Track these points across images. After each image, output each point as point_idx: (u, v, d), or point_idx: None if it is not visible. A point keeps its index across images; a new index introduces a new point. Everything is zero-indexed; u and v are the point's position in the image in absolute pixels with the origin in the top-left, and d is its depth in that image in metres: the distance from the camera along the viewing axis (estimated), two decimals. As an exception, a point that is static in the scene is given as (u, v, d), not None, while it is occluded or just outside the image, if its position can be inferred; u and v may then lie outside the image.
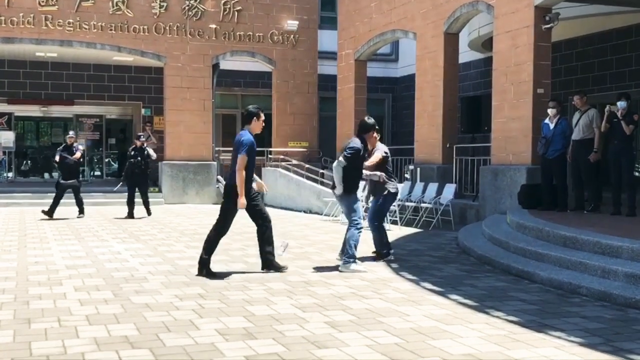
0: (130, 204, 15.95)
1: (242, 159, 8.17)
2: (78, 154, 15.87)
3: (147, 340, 5.35)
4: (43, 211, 15.58)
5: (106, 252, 10.16)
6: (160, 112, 23.12)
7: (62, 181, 15.80)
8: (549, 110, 12.43)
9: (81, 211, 16.10)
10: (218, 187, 21.09)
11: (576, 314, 6.36)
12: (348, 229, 8.93)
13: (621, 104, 11.24)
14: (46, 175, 24.08)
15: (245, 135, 8.33)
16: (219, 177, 21.34)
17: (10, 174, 23.12)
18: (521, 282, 8.02)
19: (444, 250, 10.92)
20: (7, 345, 5.18)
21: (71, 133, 16.82)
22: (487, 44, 19.84)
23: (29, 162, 24.61)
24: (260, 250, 8.57)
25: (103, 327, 5.74)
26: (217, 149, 22.22)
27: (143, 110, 23.99)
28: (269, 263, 8.54)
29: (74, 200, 16.09)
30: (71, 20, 19.99)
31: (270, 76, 23.19)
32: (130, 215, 15.90)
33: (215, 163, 21.44)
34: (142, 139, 16.66)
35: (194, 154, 21.18)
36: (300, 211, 18.39)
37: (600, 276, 7.49)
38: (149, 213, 16.17)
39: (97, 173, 24.80)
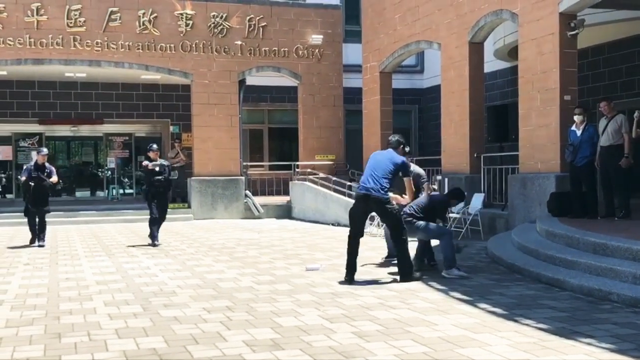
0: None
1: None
2: (55, 178, 13.53)
3: (175, 352, 5.39)
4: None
5: (136, 268, 10.24)
6: (188, 129, 23.30)
7: (31, 208, 13.44)
8: (575, 117, 12.32)
9: (42, 238, 13.40)
10: (246, 202, 21.17)
11: (607, 320, 6.28)
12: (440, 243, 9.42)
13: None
14: (77, 193, 24.32)
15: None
16: (247, 191, 21.43)
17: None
18: (551, 289, 7.94)
19: (473, 259, 10.85)
20: (39, 359, 5.24)
21: (44, 151, 13.73)
22: (512, 52, 19.76)
23: (61, 181, 24.88)
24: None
25: (132, 340, 5.79)
26: (244, 163, 22.31)
27: (171, 128, 24.22)
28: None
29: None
30: (99, 41, 20.24)
31: (296, 90, 23.28)
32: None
33: (243, 178, 21.52)
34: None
35: (222, 170, 21.29)
36: (328, 224, 18.39)
37: (631, 282, 7.39)
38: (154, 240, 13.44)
39: (128, 191, 24.96)
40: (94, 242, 14.19)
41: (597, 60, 16.62)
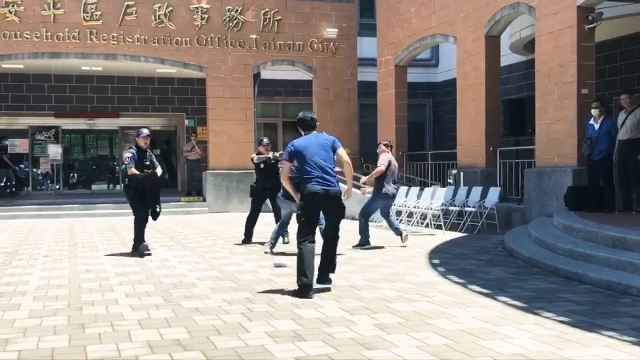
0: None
1: None
2: (160, 170, 11.09)
3: (198, 342, 5.44)
4: None
5: (154, 260, 10.31)
6: (203, 123, 23.36)
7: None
8: (593, 111, 12.29)
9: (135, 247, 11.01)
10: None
11: (627, 313, 6.29)
12: None
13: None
14: (93, 187, 24.46)
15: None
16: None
17: (57, 186, 23.55)
18: (570, 283, 7.94)
19: (489, 253, 10.85)
20: (63, 349, 5.31)
21: (145, 132, 10.92)
22: (528, 46, 19.68)
23: (76, 174, 25.08)
24: None
25: (155, 330, 5.84)
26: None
27: (186, 121, 24.29)
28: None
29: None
30: (115, 34, 20.32)
31: (310, 84, 23.28)
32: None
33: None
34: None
35: (237, 163, 21.32)
36: (346, 218, 18.35)
37: (651, 276, 7.39)
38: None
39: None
40: (112, 235, 14.28)
41: (614, 54, 16.52)
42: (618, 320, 6.02)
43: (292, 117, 25.42)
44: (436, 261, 9.97)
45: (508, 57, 19.56)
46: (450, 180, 16.98)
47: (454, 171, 16.97)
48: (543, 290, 7.54)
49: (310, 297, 7.16)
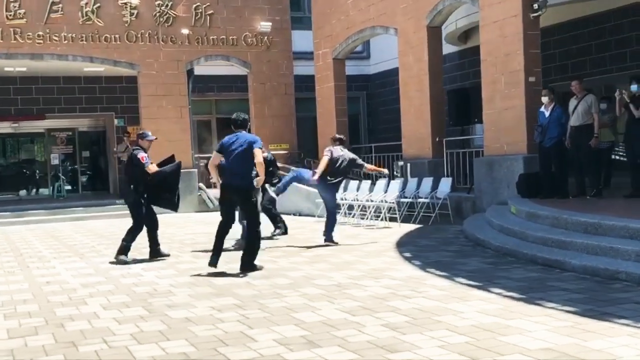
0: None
1: None
2: None
3: (208, 355, 5.13)
4: None
5: (115, 268, 9.84)
6: (133, 122, 22.71)
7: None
8: (543, 99, 12.42)
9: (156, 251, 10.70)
10: (200, 195, 20.78)
11: (628, 299, 6.29)
12: None
13: (634, 88, 11.22)
14: (21, 192, 23.41)
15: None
16: (201, 184, 21.02)
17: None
18: (552, 271, 7.94)
19: (455, 244, 10.82)
20: (64, 371, 4.92)
21: (150, 135, 10.88)
22: (462, 36, 19.92)
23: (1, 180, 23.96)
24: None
25: (155, 345, 5.50)
26: (196, 155, 21.87)
27: (116, 121, 23.54)
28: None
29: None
30: (41, 33, 19.50)
31: (244, 79, 22.96)
32: None
33: (195, 170, 21.08)
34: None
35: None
36: (289, 214, 18.15)
37: (635, 260, 7.43)
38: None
39: (72, 187, 24.10)
40: (56, 243, 13.64)
41: (565, 38, 16.55)
42: (622, 307, 6.01)
43: (226, 114, 24.99)
44: (407, 254, 9.87)
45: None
46: (397, 172, 16.94)
47: (401, 163, 16.95)
48: (530, 279, 7.51)
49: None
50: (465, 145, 16.29)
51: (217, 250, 9.00)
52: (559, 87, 14.57)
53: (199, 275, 8.86)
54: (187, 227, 15.94)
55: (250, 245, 8.99)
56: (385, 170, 12.99)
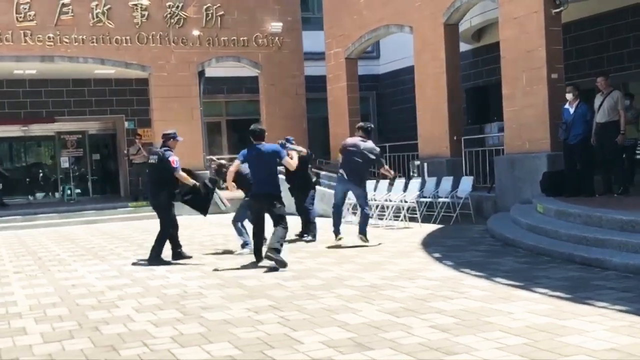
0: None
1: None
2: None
3: (256, 359, 4.94)
4: None
5: (139, 270, 9.66)
6: (143, 124, 22.56)
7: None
8: (568, 95, 12.23)
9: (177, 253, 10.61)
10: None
11: (683, 299, 6.11)
12: None
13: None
14: (31, 196, 23.21)
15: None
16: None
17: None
18: (592, 270, 7.74)
19: (483, 244, 10.62)
20: (109, 376, 4.74)
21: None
22: (475, 35, 19.74)
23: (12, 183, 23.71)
24: None
25: (198, 348, 5.32)
26: (207, 157, 21.67)
27: (126, 123, 23.32)
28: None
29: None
30: (51, 35, 19.33)
31: (253, 81, 22.79)
32: None
33: (207, 172, 20.85)
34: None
35: (185, 164, 20.42)
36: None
37: (679, 258, 7.25)
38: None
39: (82, 190, 23.87)
40: (73, 246, 13.44)
41: (581, 35, 16.30)
42: (677, 305, 5.83)
43: (236, 116, 24.97)
44: (437, 255, 9.67)
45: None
46: (414, 172, 16.74)
47: (417, 162, 16.75)
48: (572, 279, 7.31)
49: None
50: (483, 144, 16.08)
51: (259, 250, 9.56)
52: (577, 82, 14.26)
53: (226, 277, 8.67)
54: (203, 228, 15.75)
55: (279, 235, 9.23)
56: (392, 173, 12.76)
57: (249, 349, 5.22)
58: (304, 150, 12.18)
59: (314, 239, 11.99)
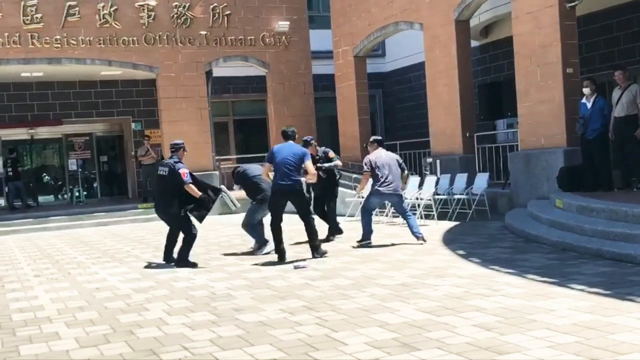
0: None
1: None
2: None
3: (304, 361, 4.88)
4: None
5: (162, 271, 9.58)
6: (151, 125, 22.50)
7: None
8: (585, 90, 12.16)
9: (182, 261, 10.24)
10: (222, 197, 20.45)
11: None
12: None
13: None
14: (40, 198, 23.06)
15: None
16: (222, 186, 20.65)
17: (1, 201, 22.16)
18: (624, 265, 7.67)
19: (505, 240, 10.54)
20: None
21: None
22: (483, 31, 19.67)
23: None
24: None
25: (240, 351, 5.24)
26: (217, 158, 21.60)
27: (133, 125, 23.24)
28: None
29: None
30: (58, 37, 19.22)
31: (260, 80, 22.73)
32: None
33: (217, 173, 20.82)
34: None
35: (194, 165, 20.18)
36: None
37: None
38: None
39: (90, 192, 23.78)
40: (87, 248, 13.35)
41: (591, 29, 16.12)
42: None
43: (243, 115, 24.89)
44: (461, 252, 9.60)
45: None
46: (426, 169, 16.67)
47: (430, 160, 16.68)
48: (606, 274, 7.23)
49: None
50: (495, 140, 15.99)
51: (281, 248, 9.85)
52: (593, 76, 14.12)
53: (252, 277, 8.60)
54: (217, 229, 15.65)
55: (310, 232, 9.85)
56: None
57: (292, 351, 5.14)
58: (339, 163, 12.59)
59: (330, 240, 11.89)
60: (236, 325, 6.05)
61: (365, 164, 11.10)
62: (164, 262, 10.23)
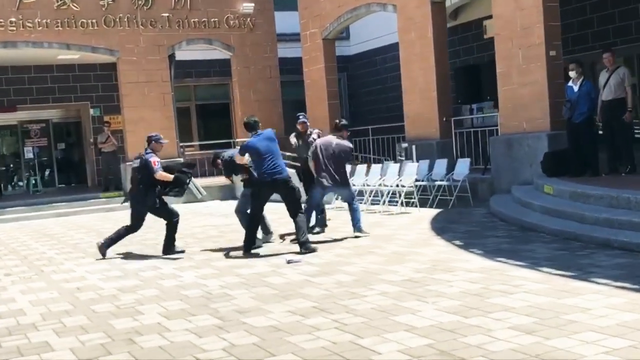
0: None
1: None
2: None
3: (337, 374, 4.43)
4: None
5: (145, 268, 9.03)
6: (110, 111, 21.72)
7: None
8: (571, 73, 11.87)
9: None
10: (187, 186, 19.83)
11: None
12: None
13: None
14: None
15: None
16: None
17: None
18: (636, 255, 7.38)
19: (498, 228, 10.21)
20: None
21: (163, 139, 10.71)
22: (452, 14, 19.33)
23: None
24: None
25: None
26: (181, 144, 20.92)
27: (92, 111, 22.37)
28: None
29: None
30: (13, 19, 18.32)
31: (222, 64, 22.09)
32: None
33: (181, 159, 20.12)
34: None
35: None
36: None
37: None
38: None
39: (48, 181, 22.84)
40: (54, 241, 12.68)
41: (584, 6, 15.67)
42: None
43: (206, 100, 24.17)
44: (458, 242, 9.23)
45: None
46: (401, 155, 16.29)
47: (405, 145, 16.29)
48: (624, 266, 6.93)
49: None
50: (474, 124, 15.70)
51: (252, 242, 9.68)
52: (579, 58, 13.73)
53: (244, 274, 8.11)
54: (187, 219, 15.00)
55: (299, 226, 9.40)
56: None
57: (310, 354, 4.70)
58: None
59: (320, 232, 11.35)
60: (246, 331, 5.57)
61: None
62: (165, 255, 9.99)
